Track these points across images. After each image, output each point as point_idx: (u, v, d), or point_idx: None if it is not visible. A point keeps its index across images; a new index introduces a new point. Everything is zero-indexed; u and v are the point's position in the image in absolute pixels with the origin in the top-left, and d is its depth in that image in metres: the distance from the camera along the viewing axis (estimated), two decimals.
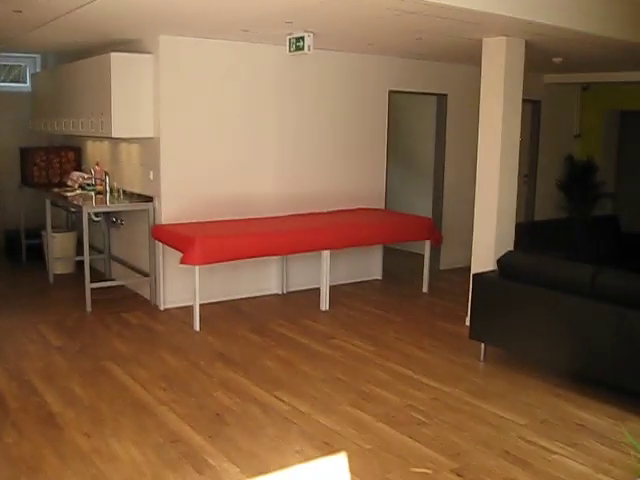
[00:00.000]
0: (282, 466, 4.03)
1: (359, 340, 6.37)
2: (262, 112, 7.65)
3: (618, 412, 4.88)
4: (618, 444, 4.39)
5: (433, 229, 8.22)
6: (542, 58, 7.76)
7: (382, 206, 8.80)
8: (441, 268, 9.48)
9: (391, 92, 8.63)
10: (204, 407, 4.84)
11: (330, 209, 8.23)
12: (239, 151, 7.56)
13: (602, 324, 4.96)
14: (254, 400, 4.98)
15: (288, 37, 6.53)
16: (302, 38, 6.34)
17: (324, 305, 7.36)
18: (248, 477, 3.89)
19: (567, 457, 4.22)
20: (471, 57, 8.06)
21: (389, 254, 9.27)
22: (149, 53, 7.05)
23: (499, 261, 5.74)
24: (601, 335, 4.97)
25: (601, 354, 4.98)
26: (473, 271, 6.70)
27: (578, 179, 10.61)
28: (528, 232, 7.43)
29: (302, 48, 6.36)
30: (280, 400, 4.98)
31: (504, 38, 6.31)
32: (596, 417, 4.82)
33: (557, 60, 7.93)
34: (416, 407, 4.91)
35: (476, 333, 5.89)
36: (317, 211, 8.09)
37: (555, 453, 4.27)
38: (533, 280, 5.44)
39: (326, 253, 7.25)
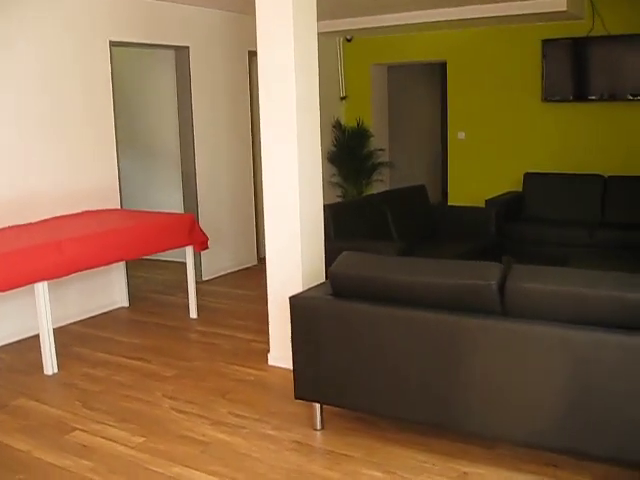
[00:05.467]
0: None
1: (115, 424, 3.92)
2: None
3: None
4: None
5: (195, 229, 5.91)
6: None
7: (117, 205, 6.30)
8: (205, 278, 7.20)
9: (112, 44, 6.13)
10: None
11: (41, 218, 5.56)
12: None
13: (519, 353, 3.06)
14: None
15: None
16: None
17: (50, 366, 4.75)
18: None
19: None
20: None
21: (133, 268, 6.79)
22: None
23: (332, 274, 3.62)
24: (513, 372, 3.07)
25: (508, 399, 3.09)
26: (271, 282, 4.64)
27: (350, 149, 8.86)
28: (332, 218, 5.42)
29: None
30: None
31: None
32: None
33: None
34: None
35: (306, 390, 3.72)
36: (22, 222, 5.39)
37: None
38: (395, 296, 3.40)
39: (41, 287, 4.67)
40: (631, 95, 7.38)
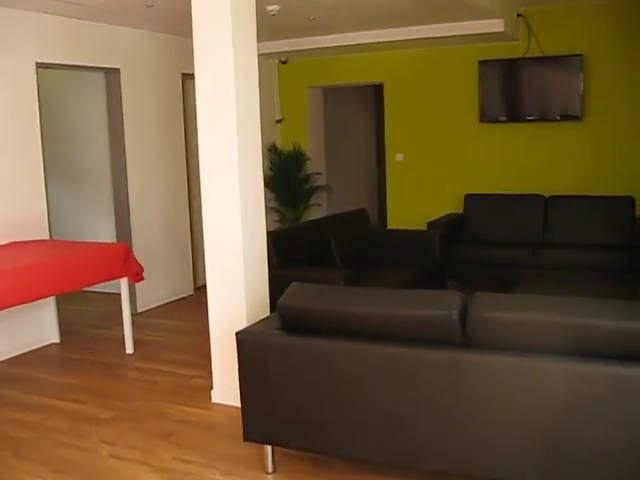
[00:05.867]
0: None
1: (50, 476, 3.61)
2: None
3: None
4: None
5: (129, 260, 5.63)
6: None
7: (46, 235, 5.97)
8: (140, 310, 6.89)
9: (39, 65, 5.82)
10: None
11: None
12: None
13: (484, 387, 2.92)
14: None
15: None
16: None
17: None
18: None
19: None
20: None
21: (64, 300, 6.42)
22: None
23: (281, 307, 3.42)
24: (478, 406, 2.93)
25: (474, 436, 2.94)
26: (213, 315, 4.43)
27: (287, 173, 8.68)
28: (275, 245, 5.22)
29: None
30: None
31: None
32: None
33: (272, 10, 5.81)
34: None
35: (256, 432, 3.50)
36: None
37: None
38: (349, 330, 3.23)
39: None
40: (559, 116, 7.43)
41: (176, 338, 6.01)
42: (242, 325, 4.27)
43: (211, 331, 4.49)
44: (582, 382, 2.75)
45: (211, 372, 4.58)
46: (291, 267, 5.23)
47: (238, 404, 3.55)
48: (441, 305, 3.05)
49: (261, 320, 3.72)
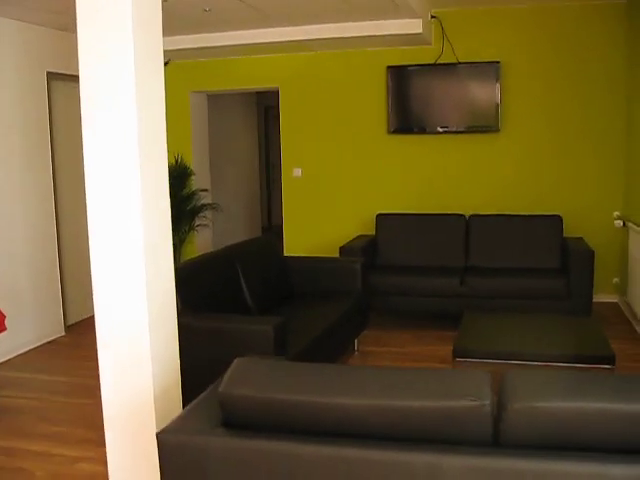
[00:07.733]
0: None
1: None
2: None
3: None
4: None
5: None
6: None
7: None
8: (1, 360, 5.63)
9: None
10: None
11: None
12: None
13: None
14: None
15: None
16: None
17: None
18: None
19: None
20: None
21: None
22: None
23: (224, 397, 2.42)
24: None
25: None
26: (107, 385, 3.46)
27: (171, 189, 7.57)
28: (181, 285, 4.17)
29: None
30: None
31: None
32: None
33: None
34: None
35: None
36: None
37: None
38: (327, 428, 2.30)
39: None
40: (475, 127, 6.84)
41: (49, 399, 4.83)
42: (147, 393, 3.31)
43: (105, 408, 3.41)
44: None
45: (104, 453, 3.50)
46: (200, 314, 4.22)
47: None
48: (465, 391, 2.18)
49: (190, 410, 2.69)
